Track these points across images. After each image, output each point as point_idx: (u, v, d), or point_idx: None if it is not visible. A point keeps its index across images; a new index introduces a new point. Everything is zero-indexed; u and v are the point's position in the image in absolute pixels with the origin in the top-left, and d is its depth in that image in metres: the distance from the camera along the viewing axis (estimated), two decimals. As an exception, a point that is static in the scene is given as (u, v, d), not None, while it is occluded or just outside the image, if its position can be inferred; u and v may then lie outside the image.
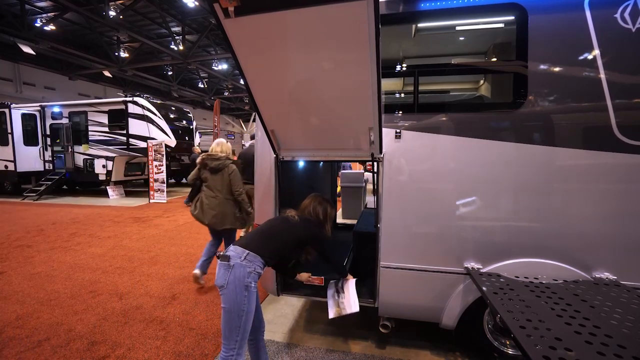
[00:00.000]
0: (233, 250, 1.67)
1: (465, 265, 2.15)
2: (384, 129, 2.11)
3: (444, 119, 2.17)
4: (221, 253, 1.70)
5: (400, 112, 2.26)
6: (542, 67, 2.00)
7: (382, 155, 2.18)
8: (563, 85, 2.00)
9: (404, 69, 2.84)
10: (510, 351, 2.29)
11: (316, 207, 2.08)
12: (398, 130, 2.19)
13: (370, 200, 7.20)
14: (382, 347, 2.57)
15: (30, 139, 10.90)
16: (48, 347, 2.60)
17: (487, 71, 2.91)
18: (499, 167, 2.08)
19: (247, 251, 1.66)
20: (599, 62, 1.91)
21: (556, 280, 1.96)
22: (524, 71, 2.02)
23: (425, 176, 2.18)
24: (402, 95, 3.79)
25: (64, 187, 12.25)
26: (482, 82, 3.94)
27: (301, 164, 3.17)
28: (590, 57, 1.93)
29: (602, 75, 1.90)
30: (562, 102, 2.00)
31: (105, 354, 2.50)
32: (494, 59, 3.06)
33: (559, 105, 2.01)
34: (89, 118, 10.49)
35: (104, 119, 10.40)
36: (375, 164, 2.21)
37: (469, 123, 2.13)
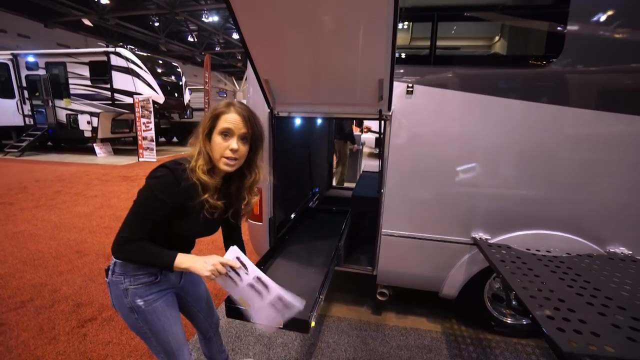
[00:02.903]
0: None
1: (473, 236, 2.01)
2: (394, 83, 1.84)
3: (465, 73, 1.90)
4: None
5: (414, 64, 1.98)
6: (585, 14, 1.70)
7: (390, 113, 1.93)
8: (608, 39, 1.71)
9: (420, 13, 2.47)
10: (508, 320, 2.25)
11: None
12: (410, 85, 1.92)
13: (366, 164, 7.01)
14: (378, 314, 2.52)
15: (4, 90, 10.16)
16: (32, 308, 2.49)
17: (522, 15, 2.51)
18: (521, 130, 1.85)
19: (114, 260, 1.16)
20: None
21: (569, 254, 1.84)
22: (563, 20, 1.72)
23: (438, 138, 1.95)
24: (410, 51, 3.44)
25: (49, 143, 11.75)
26: (497, 38, 3.59)
27: (297, 121, 2.91)
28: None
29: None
30: (606, 57, 1.73)
31: (91, 316, 2.41)
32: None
33: (600, 61, 1.74)
34: (68, 70, 9.73)
35: (85, 72, 9.67)
36: (382, 122, 1.96)
37: (493, 79, 1.87)
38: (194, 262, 1.10)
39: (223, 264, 1.09)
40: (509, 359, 2.07)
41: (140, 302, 1.15)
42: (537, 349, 2.16)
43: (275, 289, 1.16)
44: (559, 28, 1.77)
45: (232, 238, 1.41)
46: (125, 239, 1.06)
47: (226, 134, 1.11)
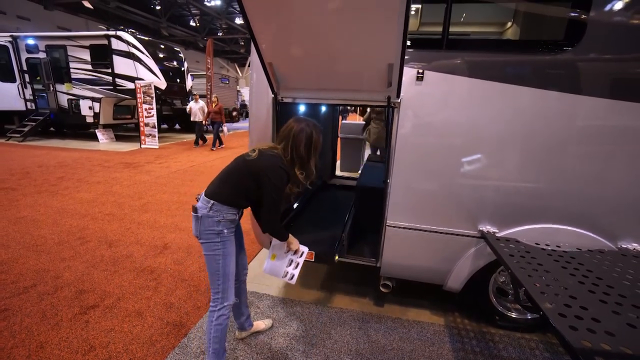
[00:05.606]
0: (201, 201, 1.62)
1: (480, 229, 1.96)
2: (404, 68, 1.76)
3: (481, 59, 1.80)
4: (199, 196, 1.67)
5: (424, 48, 1.89)
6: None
7: (399, 100, 1.86)
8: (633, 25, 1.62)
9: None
10: (513, 315, 2.22)
11: (298, 135, 1.60)
12: (420, 71, 1.83)
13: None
14: (381, 305, 2.50)
15: (5, 74, 10.02)
16: (35, 294, 2.49)
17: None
18: (538, 121, 1.77)
19: (212, 201, 1.59)
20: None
21: (579, 249, 1.79)
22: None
23: (449, 128, 1.88)
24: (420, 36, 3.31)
25: (51, 129, 11.71)
26: (509, 24, 3.46)
27: (302, 108, 2.83)
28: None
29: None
30: (629, 44, 1.64)
31: (94, 303, 2.40)
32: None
33: (623, 47, 1.65)
34: (69, 53, 9.58)
35: (86, 56, 9.52)
36: (390, 110, 1.89)
37: (511, 66, 1.78)
38: (294, 240, 1.82)
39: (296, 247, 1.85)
40: (512, 354, 2.05)
41: (226, 230, 1.61)
42: (541, 344, 2.14)
43: (298, 264, 1.87)
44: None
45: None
46: (277, 219, 1.67)
47: None
